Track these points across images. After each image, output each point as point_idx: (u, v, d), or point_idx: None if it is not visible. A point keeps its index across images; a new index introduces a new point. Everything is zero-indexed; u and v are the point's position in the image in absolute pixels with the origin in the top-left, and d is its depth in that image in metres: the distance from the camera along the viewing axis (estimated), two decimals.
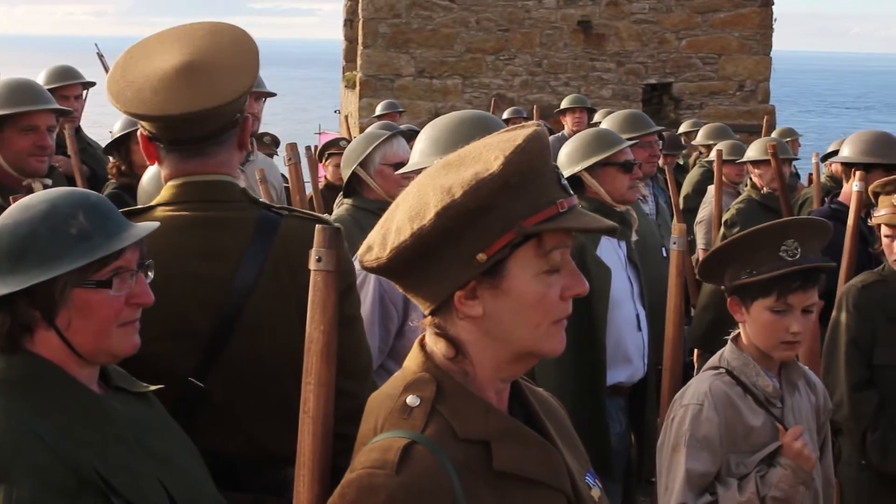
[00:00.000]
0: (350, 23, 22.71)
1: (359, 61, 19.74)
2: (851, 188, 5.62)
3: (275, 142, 10.64)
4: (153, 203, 2.99)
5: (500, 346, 2.09)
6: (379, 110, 13.27)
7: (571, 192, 2.09)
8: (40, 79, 7.19)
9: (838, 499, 4.55)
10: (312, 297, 2.22)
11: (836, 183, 9.32)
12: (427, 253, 2.02)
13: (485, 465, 2.04)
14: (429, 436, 2.01)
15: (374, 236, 2.11)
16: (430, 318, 2.12)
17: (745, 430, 3.68)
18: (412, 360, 2.16)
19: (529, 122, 2.14)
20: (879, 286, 4.98)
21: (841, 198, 6.07)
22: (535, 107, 15.12)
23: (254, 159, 6.34)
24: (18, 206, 2.42)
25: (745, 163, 8.73)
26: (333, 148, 9.05)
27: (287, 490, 2.35)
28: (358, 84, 19.67)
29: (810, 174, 9.73)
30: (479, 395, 2.10)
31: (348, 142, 8.66)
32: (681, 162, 11.11)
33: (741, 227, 7.48)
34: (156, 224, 2.52)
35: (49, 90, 5.86)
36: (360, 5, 19.72)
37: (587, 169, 5.26)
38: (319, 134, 16.59)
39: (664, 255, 5.78)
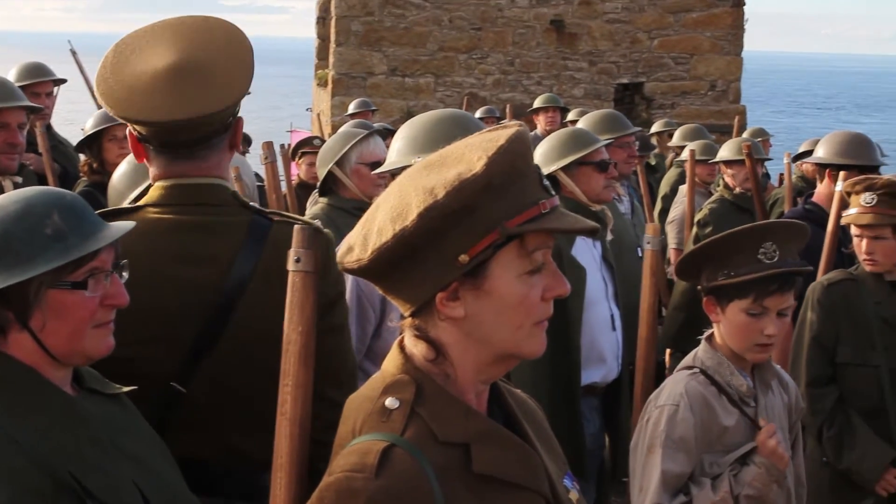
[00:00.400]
0: (323, 20, 22.66)
1: (331, 59, 19.70)
2: (827, 188, 5.65)
3: (247, 140, 10.60)
4: (141, 203, 2.95)
5: (481, 348, 2.08)
6: (351, 109, 13.24)
7: (553, 192, 2.08)
8: (11, 76, 7.15)
9: None
10: (290, 298, 2.20)
11: (807, 183, 9.37)
12: (409, 254, 2.00)
13: (464, 468, 2.03)
14: (408, 439, 1.99)
15: (354, 237, 2.09)
16: (410, 319, 2.11)
17: (720, 431, 3.68)
18: (391, 361, 2.14)
19: (511, 122, 2.13)
20: (847, 285, 5.02)
21: (815, 198, 6.09)
22: (507, 106, 15.11)
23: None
24: None
25: (717, 163, 8.76)
26: (307, 146, 9.04)
27: (264, 496, 2.33)
28: (330, 82, 19.62)
29: (781, 174, 9.78)
30: (459, 397, 2.09)
31: (322, 140, 8.65)
32: (652, 162, 11.13)
33: (714, 227, 7.51)
34: (131, 224, 2.49)
35: (20, 87, 5.82)
36: (332, 3, 19.68)
37: (563, 168, 5.26)
38: (291, 132, 16.55)
39: (640, 254, 5.78)
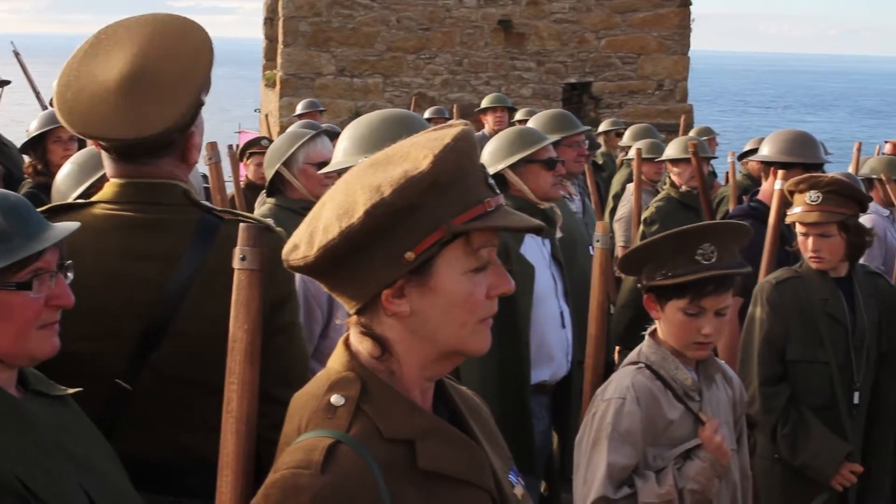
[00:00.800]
0: (270, 21, 22.58)
1: (279, 60, 19.65)
2: (771, 186, 5.70)
3: None
4: (94, 199, 2.95)
5: (426, 345, 2.09)
6: (299, 109, 13.20)
7: (498, 191, 2.09)
8: None
9: (753, 491, 4.61)
10: (236, 296, 2.20)
11: (752, 181, 9.47)
12: (355, 252, 2.01)
13: (410, 465, 2.03)
14: (353, 435, 2.00)
15: (300, 235, 2.09)
16: (355, 316, 2.11)
17: (665, 424, 3.71)
18: (336, 359, 2.15)
19: (457, 122, 2.14)
20: (794, 283, 5.07)
21: (760, 196, 6.15)
22: (455, 106, 15.13)
23: None
24: None
25: (664, 161, 8.83)
26: (255, 147, 9.01)
27: (212, 494, 2.33)
28: (278, 83, 19.57)
29: (727, 173, 9.87)
30: (405, 394, 2.10)
31: (270, 141, 8.62)
32: (599, 161, 11.19)
33: (660, 225, 7.58)
34: (76, 224, 2.48)
35: None
36: (280, 4, 19.62)
37: (511, 166, 5.27)
38: (239, 133, 16.48)
39: (592, 252, 5.81)
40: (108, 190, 2.94)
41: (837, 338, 5.03)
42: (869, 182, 7.97)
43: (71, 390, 2.57)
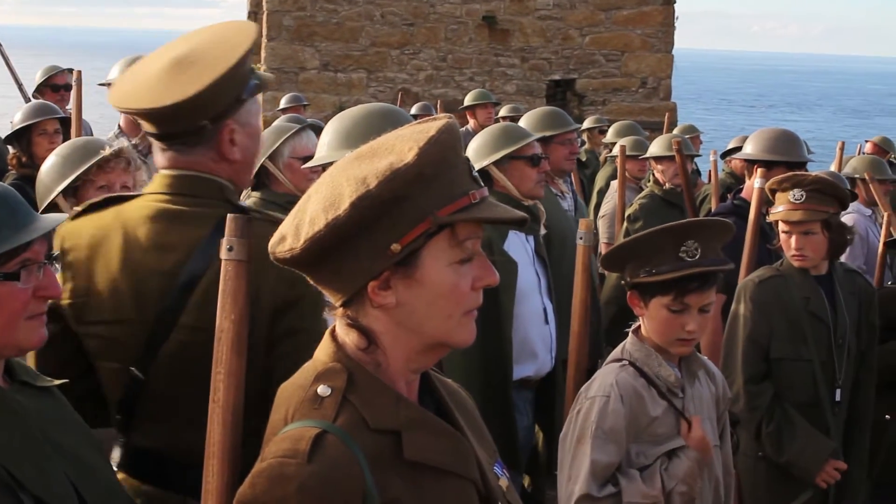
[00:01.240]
0: (254, 15, 22.50)
1: (263, 54, 19.59)
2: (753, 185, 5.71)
3: None
4: (144, 191, 3.01)
5: (412, 337, 2.11)
6: (283, 104, 13.16)
7: (482, 183, 2.11)
8: None
9: (737, 488, 4.64)
10: (223, 286, 2.21)
11: (736, 179, 9.50)
12: (341, 243, 2.02)
13: (395, 455, 2.05)
14: (340, 425, 2.01)
15: (286, 227, 2.10)
16: (341, 308, 2.13)
17: (648, 421, 3.72)
18: (323, 350, 2.16)
19: (441, 115, 2.15)
20: (776, 281, 5.09)
21: (743, 194, 6.16)
22: (438, 102, 15.13)
23: None
24: None
25: (648, 158, 8.85)
26: None
27: None
28: None
29: (710, 171, 9.91)
30: (391, 385, 2.12)
31: None
32: (583, 158, 11.21)
33: (644, 222, 7.60)
34: (64, 216, 2.51)
35: None
36: None
37: (495, 163, 5.28)
38: None
39: None
40: (153, 181, 3.01)
41: (820, 336, 5.06)
42: (852, 181, 8.00)
43: (57, 381, 2.58)
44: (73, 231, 2.98)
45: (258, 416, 2.24)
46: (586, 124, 12.70)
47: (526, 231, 5.28)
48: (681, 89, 21.80)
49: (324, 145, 4.24)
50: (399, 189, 1.99)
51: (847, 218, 6.73)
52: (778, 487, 5.11)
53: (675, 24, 20.20)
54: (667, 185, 8.39)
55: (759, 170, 5.53)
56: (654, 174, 8.66)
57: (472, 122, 11.85)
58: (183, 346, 2.82)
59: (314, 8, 19.15)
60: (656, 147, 8.64)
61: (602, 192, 9.96)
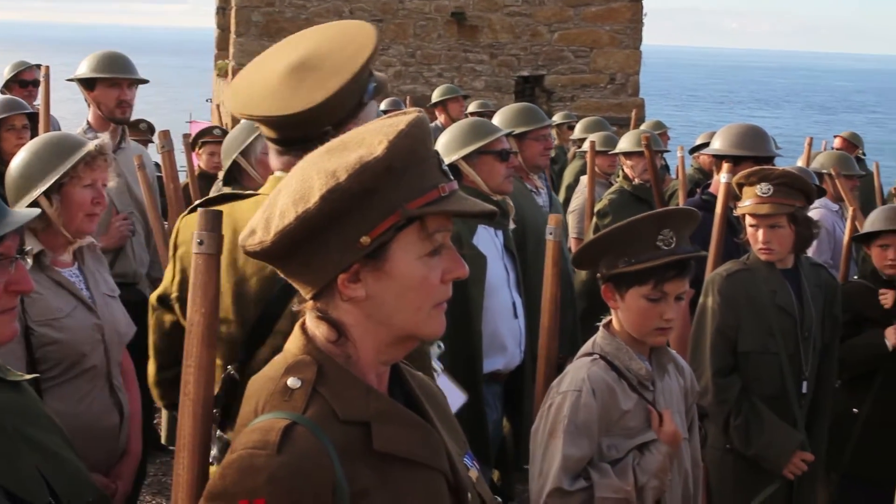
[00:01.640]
0: (223, 11, 22.49)
1: (231, 50, 19.57)
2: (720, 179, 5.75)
3: (150, 129, 10.54)
4: (258, 191, 3.02)
5: (381, 329, 2.12)
6: None
7: (452, 177, 2.12)
8: None
9: (705, 481, 4.66)
10: (194, 280, 2.21)
11: (703, 175, 9.56)
12: (311, 236, 2.03)
13: (365, 446, 2.06)
14: (310, 417, 2.01)
15: (256, 220, 2.10)
16: (311, 301, 2.13)
17: (619, 414, 3.74)
18: (293, 343, 2.17)
19: (411, 109, 2.16)
20: (744, 275, 5.13)
21: (711, 189, 6.19)
22: (407, 98, 15.14)
23: (126, 147, 6.26)
24: None
25: (617, 154, 8.88)
26: (207, 136, 8.98)
27: None
28: (230, 73, 19.45)
29: (677, 166, 9.96)
30: (360, 377, 2.12)
31: (222, 130, 8.59)
32: (551, 154, 11.23)
33: (613, 217, 7.63)
34: (37, 211, 2.49)
35: None
36: None
37: (464, 157, 5.29)
38: (190, 123, 16.41)
39: None
40: (268, 182, 3.03)
41: (787, 329, 5.10)
42: (819, 177, 8.06)
43: (27, 376, 2.57)
44: (185, 226, 3.01)
45: None
46: (555, 120, 12.73)
47: (495, 226, 5.29)
48: (650, 85, 21.88)
49: None
50: (368, 182, 2.00)
51: (814, 213, 6.78)
52: (745, 480, 5.15)
53: (644, 21, 20.29)
54: (636, 180, 8.43)
55: (727, 164, 5.56)
56: (623, 170, 8.69)
57: (442, 117, 11.85)
58: (276, 351, 2.81)
59: (283, 4, 19.13)
60: (625, 143, 8.67)
61: (570, 188, 9.98)
